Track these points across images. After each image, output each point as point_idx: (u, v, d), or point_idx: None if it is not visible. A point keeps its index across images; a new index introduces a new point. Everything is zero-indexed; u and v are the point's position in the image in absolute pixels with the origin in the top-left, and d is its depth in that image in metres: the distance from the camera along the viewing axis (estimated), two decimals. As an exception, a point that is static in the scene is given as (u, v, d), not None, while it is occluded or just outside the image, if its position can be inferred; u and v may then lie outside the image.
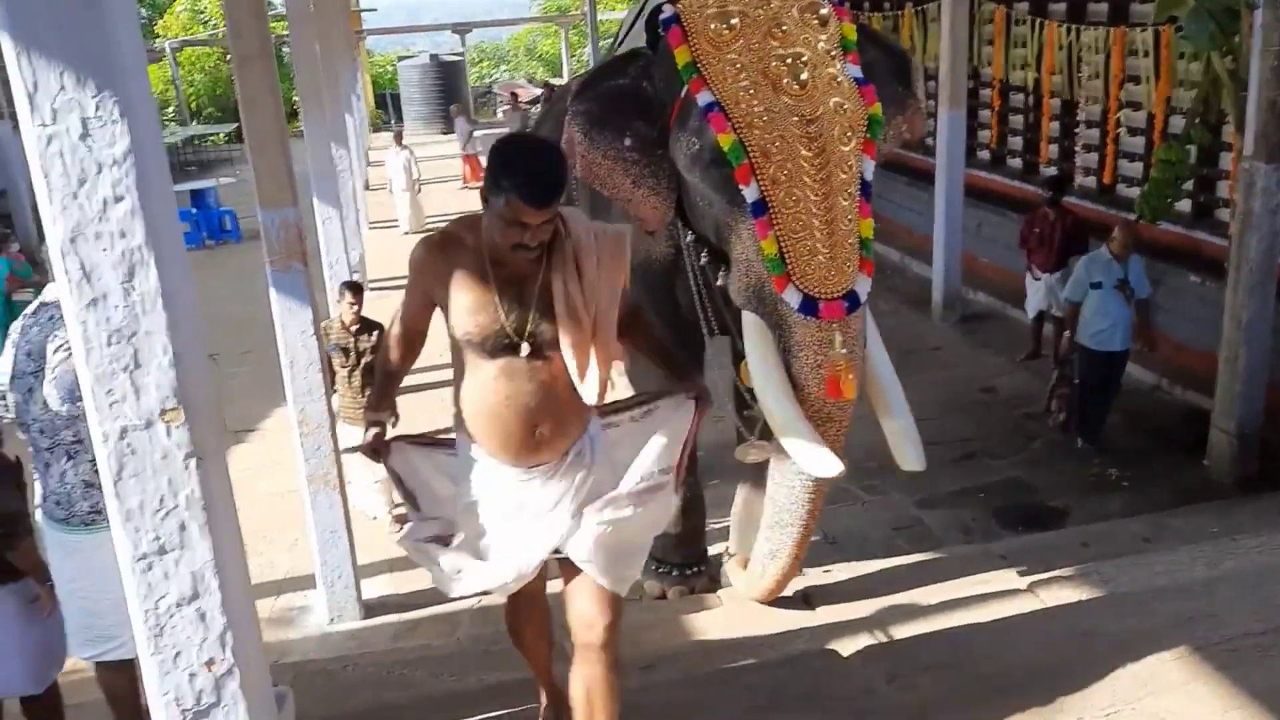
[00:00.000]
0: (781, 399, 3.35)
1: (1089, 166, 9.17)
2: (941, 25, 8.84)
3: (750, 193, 3.30)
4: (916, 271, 10.78)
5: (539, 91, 21.10)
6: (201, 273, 2.36)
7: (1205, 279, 7.59)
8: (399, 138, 15.47)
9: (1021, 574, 4.23)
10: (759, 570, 3.88)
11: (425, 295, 2.62)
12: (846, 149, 3.30)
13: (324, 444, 4.88)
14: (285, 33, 10.87)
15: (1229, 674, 3.11)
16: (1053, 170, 9.45)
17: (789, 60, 3.31)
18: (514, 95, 20.50)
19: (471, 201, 17.03)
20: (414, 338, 2.81)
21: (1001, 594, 3.92)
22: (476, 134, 18.89)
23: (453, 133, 21.14)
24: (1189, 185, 7.78)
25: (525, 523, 2.63)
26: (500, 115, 21.73)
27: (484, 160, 18.01)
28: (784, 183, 3.26)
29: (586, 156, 3.60)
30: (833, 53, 3.43)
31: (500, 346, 2.50)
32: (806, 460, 3.34)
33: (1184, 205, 7.93)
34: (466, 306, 2.50)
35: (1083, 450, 6.89)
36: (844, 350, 3.26)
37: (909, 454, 3.54)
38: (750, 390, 3.93)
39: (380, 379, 2.87)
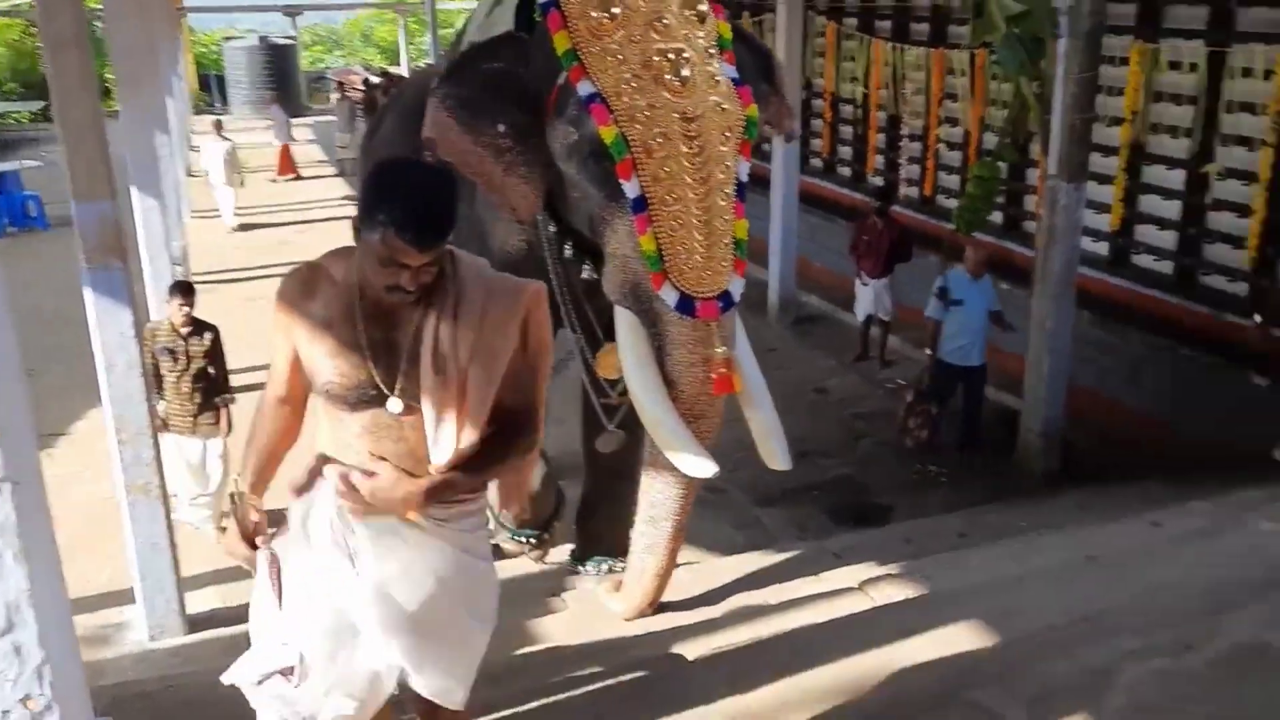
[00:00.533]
0: (656, 397, 3.34)
1: (912, 178, 9.66)
2: (776, 39, 9.13)
3: (631, 189, 3.26)
4: (752, 274, 11.05)
5: (376, 80, 20.43)
6: (3, 263, 2.18)
7: (1014, 287, 8.12)
8: (219, 126, 14.55)
9: (853, 572, 4.42)
10: (638, 567, 3.84)
11: (291, 344, 2.22)
12: (725, 149, 3.29)
13: (144, 452, 4.64)
14: (98, 5, 10.18)
15: (1037, 664, 3.35)
16: (879, 180, 9.91)
17: (671, 55, 3.27)
18: (340, 85, 19.73)
19: (291, 193, 16.61)
20: (294, 405, 2.35)
21: (836, 593, 4.10)
22: (294, 121, 18.22)
23: (294, 117, 20.36)
24: (1000, 199, 8.31)
25: (373, 616, 2.21)
26: (332, 102, 20.91)
27: (294, 150, 17.11)
28: (665, 180, 3.22)
29: (456, 142, 3.48)
30: (711, 50, 3.42)
31: (365, 399, 2.16)
32: (682, 460, 3.34)
33: (995, 217, 8.46)
34: (329, 351, 2.15)
35: (903, 449, 7.25)
36: (718, 350, 3.28)
37: (776, 452, 3.59)
38: (611, 382, 4.00)
39: (253, 461, 2.36)
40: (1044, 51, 6.41)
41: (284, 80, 22.84)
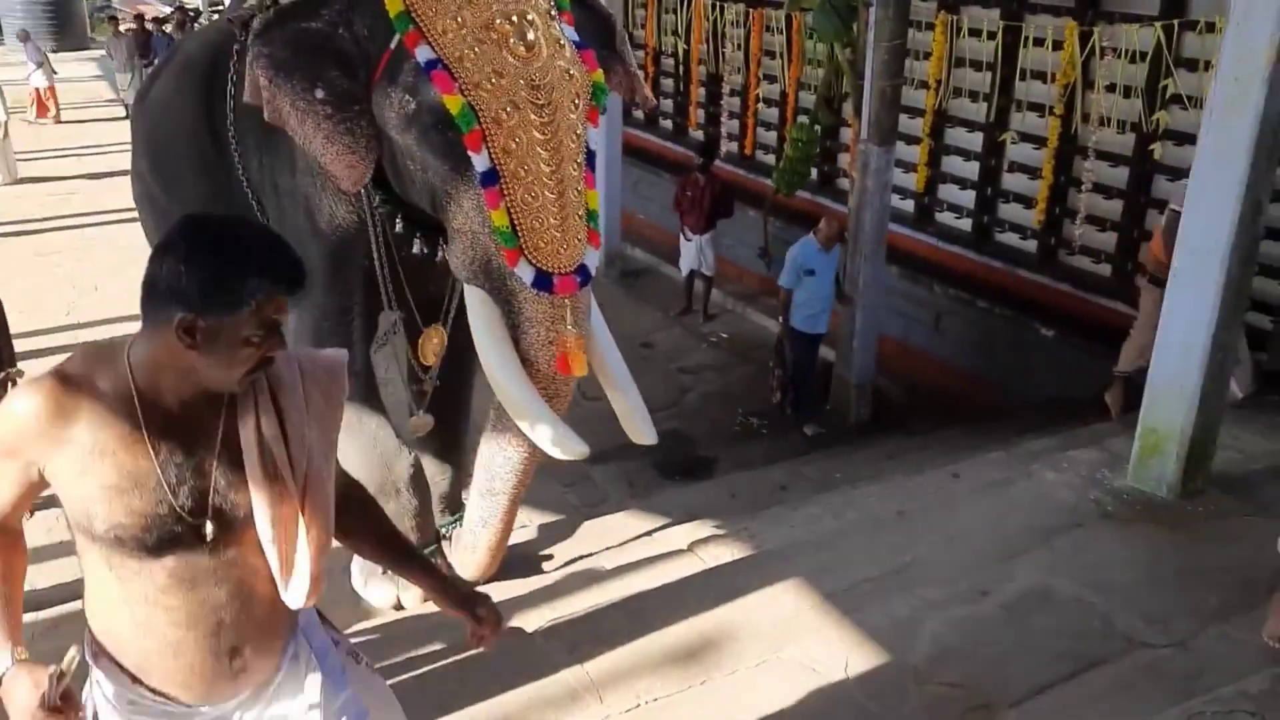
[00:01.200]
0: (515, 377, 3.22)
1: (732, 133, 9.87)
2: (599, -11, 9.08)
3: (480, 161, 3.07)
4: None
5: (165, 14, 18.93)
6: None
7: (829, 242, 8.49)
8: None
9: (683, 531, 4.60)
10: (471, 541, 3.79)
11: (29, 475, 1.73)
12: (574, 116, 3.14)
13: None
14: None
15: (852, 617, 3.61)
16: (701, 135, 10.08)
17: (514, 18, 3.10)
18: (114, 20, 17.57)
19: (56, 137, 15.16)
20: (14, 532, 1.85)
21: (667, 555, 4.26)
22: (73, 56, 16.58)
23: (69, 51, 18.66)
24: (815, 157, 8.62)
25: None
26: (108, 38, 18.26)
27: (59, 90, 14.89)
28: (515, 152, 3.06)
29: (274, 103, 3.27)
30: (552, 12, 3.26)
31: (169, 538, 1.71)
32: (547, 440, 3.24)
33: (810, 174, 8.78)
34: (110, 484, 1.68)
35: (727, 402, 7.52)
36: (575, 328, 3.18)
37: (641, 429, 3.60)
38: (424, 367, 3.92)
39: None
40: (857, 18, 6.66)
41: (63, 9, 20.95)
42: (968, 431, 6.35)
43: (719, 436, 7.04)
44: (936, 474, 4.82)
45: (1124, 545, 4.09)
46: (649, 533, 4.78)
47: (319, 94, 3.24)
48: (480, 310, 3.29)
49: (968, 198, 7.82)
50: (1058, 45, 6.64)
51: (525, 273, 3.13)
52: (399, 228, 3.60)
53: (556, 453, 3.29)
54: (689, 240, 8.85)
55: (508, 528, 3.76)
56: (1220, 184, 3.92)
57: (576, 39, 3.33)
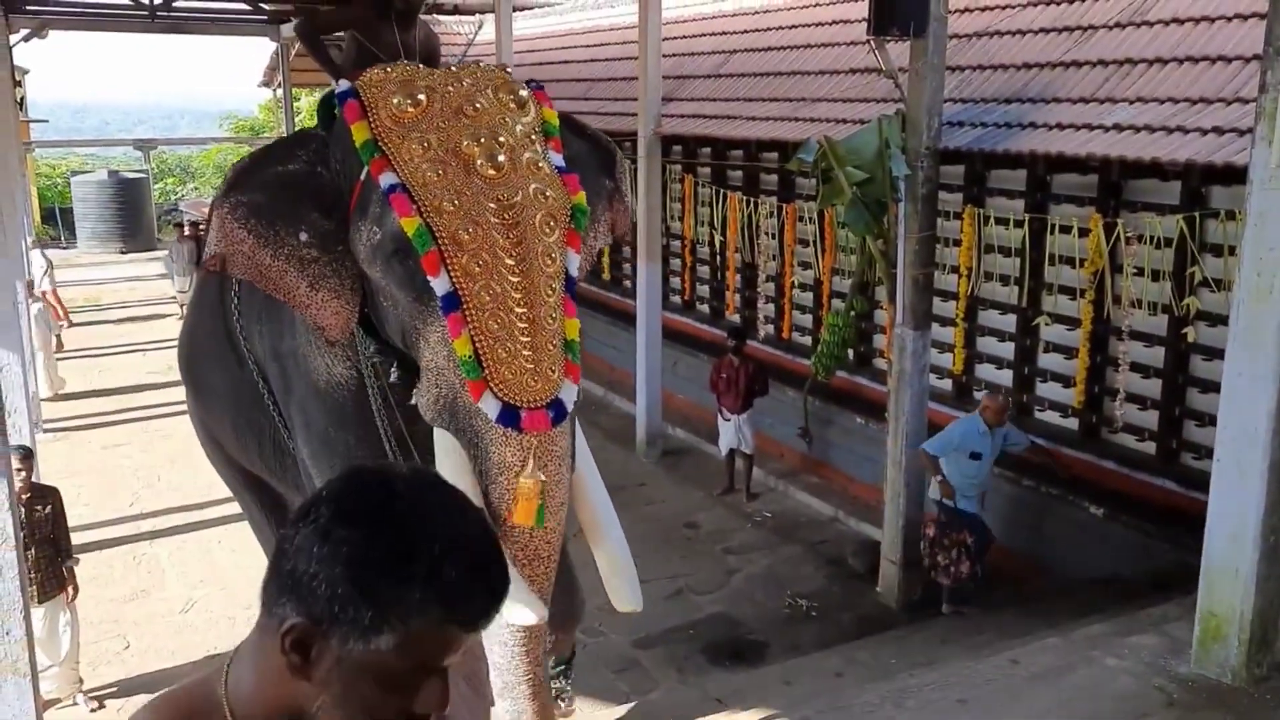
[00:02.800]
0: None
1: (769, 317, 10.19)
2: (638, 188, 9.62)
3: (440, 285, 2.88)
4: (619, 407, 11.35)
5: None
6: None
7: (868, 420, 8.63)
8: (30, 287, 11.52)
9: (737, 718, 4.56)
10: None
11: None
12: (550, 239, 2.95)
13: (14, 628, 4.42)
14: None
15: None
16: (737, 319, 10.42)
17: (482, 140, 2.96)
18: (181, 225, 17.25)
19: (120, 333, 15.44)
20: None
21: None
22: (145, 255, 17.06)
23: (139, 251, 19.43)
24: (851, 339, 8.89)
25: None
26: (173, 240, 17.90)
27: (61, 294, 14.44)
28: (479, 275, 2.85)
29: (252, 256, 3.08)
30: (533, 136, 3.12)
31: None
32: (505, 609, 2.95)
33: (848, 354, 9.01)
34: None
35: (774, 583, 7.49)
36: (537, 474, 2.84)
37: (625, 593, 3.22)
38: None
39: None
40: (886, 212, 7.01)
41: (136, 213, 22.21)
42: (1022, 614, 6.28)
43: (768, 619, 7.01)
44: (995, 660, 4.77)
45: (1192, 735, 4.01)
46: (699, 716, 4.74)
47: (303, 237, 3.09)
48: (448, 457, 2.94)
49: (1005, 376, 7.98)
50: (1084, 232, 6.93)
51: (490, 406, 2.82)
52: (394, 377, 3.37)
53: (511, 618, 2.92)
54: (727, 420, 9.02)
55: (545, 712, 3.37)
56: (1253, 372, 4.04)
57: (560, 163, 3.18)
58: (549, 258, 2.94)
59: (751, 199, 9.87)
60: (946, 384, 8.32)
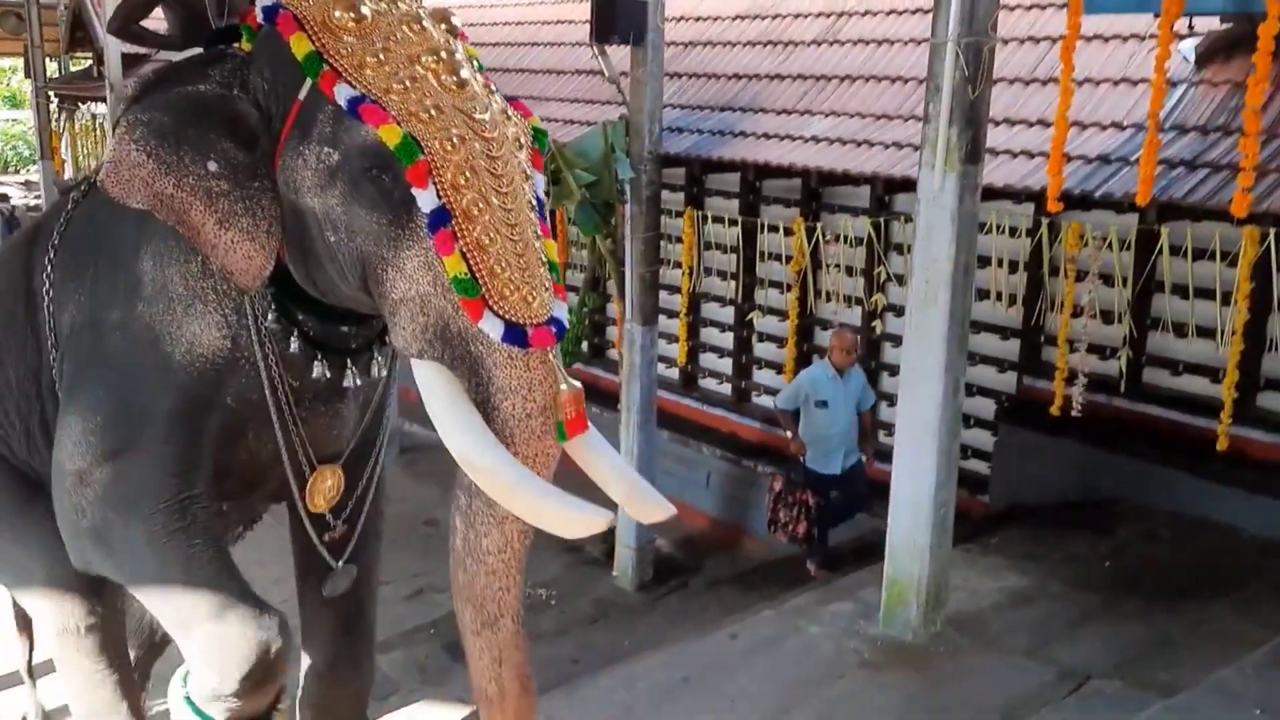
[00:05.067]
0: (502, 457, 2.57)
1: (505, 309, 10.31)
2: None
3: (428, 200, 2.58)
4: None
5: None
6: None
7: (603, 410, 8.95)
8: None
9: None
10: (495, 692, 2.84)
11: None
12: (521, 155, 2.78)
13: None
14: None
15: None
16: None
17: (441, 55, 2.72)
18: None
19: None
20: None
21: (465, 747, 4.34)
22: None
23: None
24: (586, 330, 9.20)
25: None
26: None
27: None
28: (465, 188, 2.60)
29: (151, 184, 2.76)
30: (473, 63, 2.90)
31: None
32: (566, 521, 2.60)
33: (583, 346, 9.32)
34: None
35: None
36: (571, 383, 2.64)
37: (650, 504, 2.93)
38: (324, 514, 3.32)
39: None
40: (614, 213, 7.32)
41: None
42: (742, 587, 6.80)
43: (509, 611, 7.16)
44: (717, 635, 5.17)
45: (880, 690, 4.55)
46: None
47: (212, 168, 2.78)
48: (437, 386, 2.68)
49: (726, 365, 8.54)
50: (789, 232, 7.53)
51: (493, 327, 2.60)
52: (294, 347, 3.02)
53: (581, 530, 2.65)
54: (467, 414, 9.09)
55: (523, 659, 2.92)
56: (924, 368, 4.62)
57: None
58: (524, 174, 2.75)
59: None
60: (674, 374, 8.78)
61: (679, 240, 8.39)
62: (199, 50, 3.08)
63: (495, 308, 2.59)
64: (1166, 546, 5.81)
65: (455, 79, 2.69)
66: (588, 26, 6.90)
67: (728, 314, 8.45)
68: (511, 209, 2.65)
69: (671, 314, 8.48)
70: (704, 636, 5.22)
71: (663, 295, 7.83)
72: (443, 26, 2.88)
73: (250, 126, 2.80)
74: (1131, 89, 6.08)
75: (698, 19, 8.78)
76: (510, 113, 2.83)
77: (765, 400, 8.26)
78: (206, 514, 3.06)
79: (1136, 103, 5.91)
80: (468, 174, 2.61)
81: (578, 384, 2.65)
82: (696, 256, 8.19)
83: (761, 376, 8.35)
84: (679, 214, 8.35)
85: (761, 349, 8.31)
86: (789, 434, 6.74)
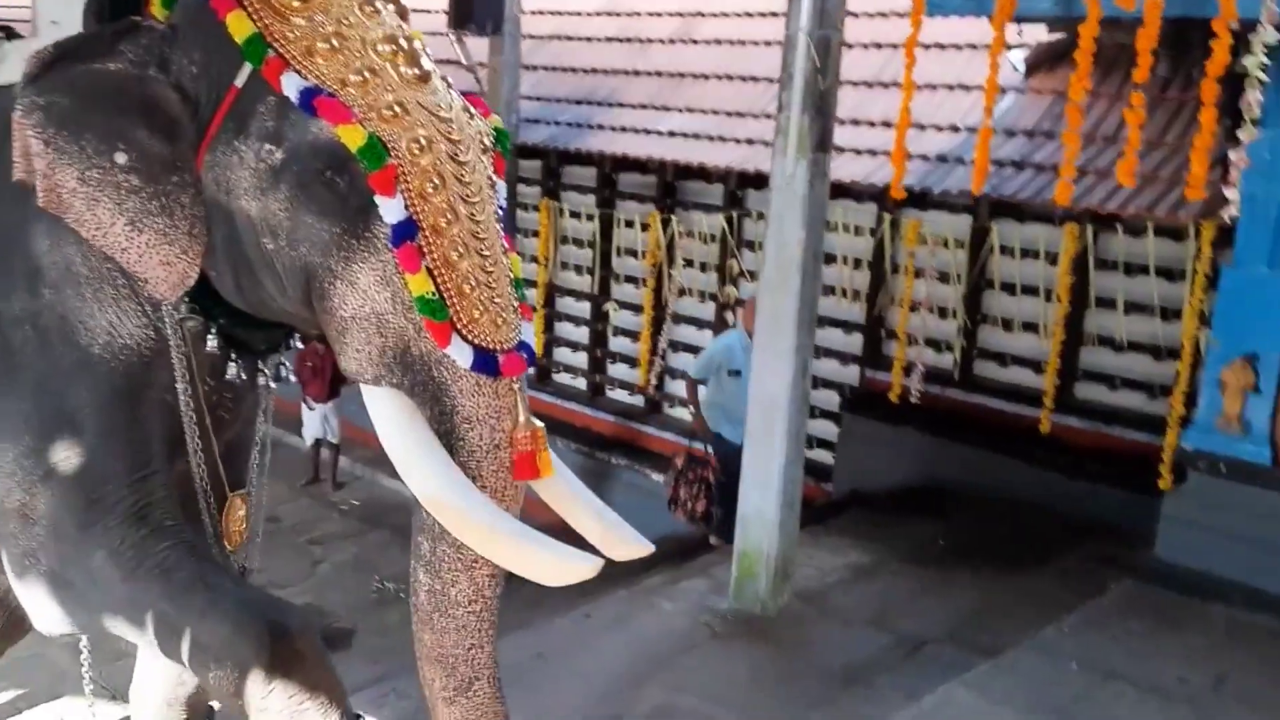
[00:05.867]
0: (475, 497, 2.32)
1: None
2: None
3: (393, 210, 2.27)
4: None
5: None
6: None
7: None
8: None
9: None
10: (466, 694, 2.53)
11: None
12: (485, 160, 2.47)
13: None
14: None
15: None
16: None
17: (400, 43, 2.39)
18: None
19: None
20: None
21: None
22: None
23: None
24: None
25: None
26: None
27: None
28: (433, 197, 2.30)
29: (50, 176, 2.41)
30: (427, 49, 2.56)
31: None
32: (552, 568, 2.34)
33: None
34: None
35: (362, 569, 7.50)
36: (532, 420, 2.38)
37: (626, 538, 2.64)
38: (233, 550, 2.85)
39: None
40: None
41: None
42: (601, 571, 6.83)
43: (356, 605, 7.00)
44: (572, 614, 5.20)
45: (730, 660, 4.67)
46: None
47: (120, 160, 2.43)
48: (396, 416, 2.38)
49: (581, 359, 8.59)
50: (645, 227, 7.65)
51: (461, 354, 2.32)
52: (211, 345, 2.67)
53: (567, 576, 2.39)
54: (312, 409, 8.84)
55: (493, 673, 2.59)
56: (776, 350, 4.78)
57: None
58: (489, 181, 2.45)
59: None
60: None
61: (535, 234, 8.40)
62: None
63: (464, 331, 2.31)
64: (995, 525, 6.17)
65: (416, 71, 2.38)
66: (445, 15, 6.87)
67: (583, 308, 8.50)
68: (480, 220, 2.37)
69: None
70: (559, 616, 5.24)
71: (518, 289, 7.82)
72: (392, 8, 2.53)
73: (170, 113, 2.44)
74: (966, 94, 6.47)
75: (555, 13, 8.83)
76: (471, 110, 2.51)
77: (619, 395, 8.35)
78: (167, 515, 2.64)
79: (971, 107, 6.30)
80: (435, 181, 2.31)
81: (539, 422, 2.39)
82: (553, 249, 8.22)
83: (616, 371, 8.43)
84: (535, 208, 8.36)
85: (616, 343, 8.39)
86: (690, 408, 6.55)
